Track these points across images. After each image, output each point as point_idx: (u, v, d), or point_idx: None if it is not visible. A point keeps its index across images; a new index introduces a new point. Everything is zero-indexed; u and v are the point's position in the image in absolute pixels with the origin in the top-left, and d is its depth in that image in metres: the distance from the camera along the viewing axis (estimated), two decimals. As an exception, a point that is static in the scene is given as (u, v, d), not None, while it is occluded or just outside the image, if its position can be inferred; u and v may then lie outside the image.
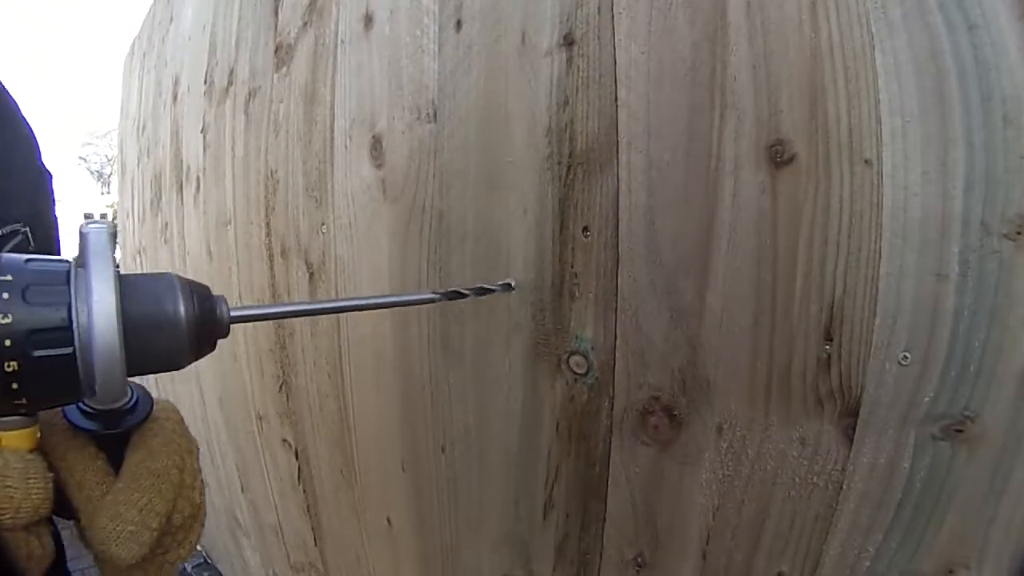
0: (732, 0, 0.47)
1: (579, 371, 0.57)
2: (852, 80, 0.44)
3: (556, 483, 0.63)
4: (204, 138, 1.41)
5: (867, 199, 0.44)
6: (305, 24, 0.93)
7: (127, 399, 0.39)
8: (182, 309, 0.36)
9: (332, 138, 0.86)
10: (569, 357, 0.58)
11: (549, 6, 0.56)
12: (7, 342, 0.31)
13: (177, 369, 0.38)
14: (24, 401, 0.33)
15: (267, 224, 1.05)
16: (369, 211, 0.80)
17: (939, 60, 0.43)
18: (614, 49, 0.52)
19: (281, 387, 1.14)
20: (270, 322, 1.09)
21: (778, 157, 0.46)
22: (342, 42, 0.83)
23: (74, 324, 0.32)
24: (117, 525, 0.39)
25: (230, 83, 1.24)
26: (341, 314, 0.86)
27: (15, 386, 0.32)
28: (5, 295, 0.31)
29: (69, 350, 0.32)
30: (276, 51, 1.01)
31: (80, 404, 0.39)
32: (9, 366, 0.31)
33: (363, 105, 0.80)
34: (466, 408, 0.70)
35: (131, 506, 0.39)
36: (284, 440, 1.21)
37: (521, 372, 0.63)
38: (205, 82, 1.41)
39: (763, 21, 0.46)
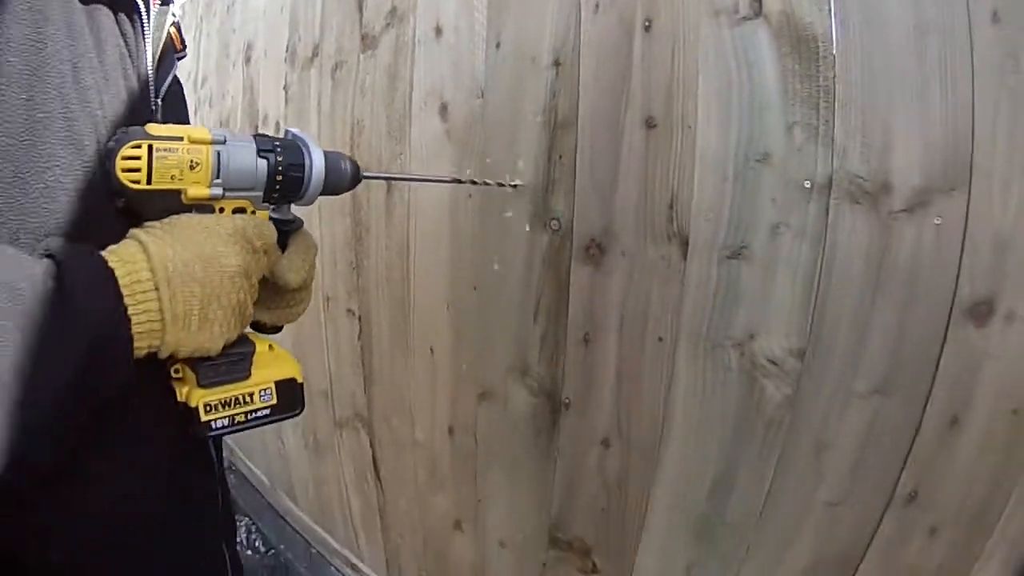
0: (636, 44, 0.90)
1: (555, 228, 1.03)
2: (690, 92, 0.85)
3: (542, 296, 1.06)
4: (286, 93, 1.76)
5: (688, 145, 0.86)
6: (388, 24, 1.30)
7: (295, 218, 0.63)
8: (348, 166, 0.64)
9: (411, 103, 1.24)
10: (550, 221, 1.03)
11: (547, 43, 1.01)
12: (279, 168, 0.57)
13: (341, 194, 0.65)
14: (276, 195, 0.58)
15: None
16: (437, 147, 1.20)
17: (731, 83, 0.83)
18: (579, 68, 0.98)
19: (354, 269, 1.49)
20: (350, 221, 1.47)
21: (650, 124, 0.91)
22: (419, 42, 1.22)
23: (305, 165, 0.59)
24: (289, 262, 0.61)
25: (315, 55, 1.59)
26: (411, 205, 1.26)
27: (278, 187, 0.57)
28: (279, 149, 0.57)
29: (302, 174, 0.59)
30: (363, 39, 1.38)
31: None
32: (279, 177, 0.57)
33: (434, 83, 1.19)
34: (491, 256, 1.13)
35: (297, 256, 0.62)
36: (349, 310, 1.52)
37: (525, 231, 1.06)
38: (287, 50, 1.74)
39: (651, 55, 0.90)
